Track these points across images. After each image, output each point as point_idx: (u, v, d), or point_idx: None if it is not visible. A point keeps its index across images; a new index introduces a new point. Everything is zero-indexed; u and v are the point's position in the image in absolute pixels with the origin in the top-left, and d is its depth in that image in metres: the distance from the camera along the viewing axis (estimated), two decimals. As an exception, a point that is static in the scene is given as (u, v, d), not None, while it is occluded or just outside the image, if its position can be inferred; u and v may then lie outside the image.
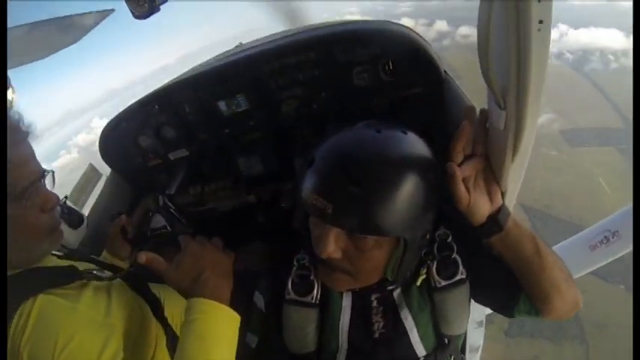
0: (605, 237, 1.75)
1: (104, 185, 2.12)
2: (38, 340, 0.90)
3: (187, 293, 1.01)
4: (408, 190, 0.85)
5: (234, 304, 1.04)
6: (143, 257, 1.02)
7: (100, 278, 1.12)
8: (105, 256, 1.59)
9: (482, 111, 0.94)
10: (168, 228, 1.77)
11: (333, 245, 0.90)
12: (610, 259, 1.76)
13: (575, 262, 1.79)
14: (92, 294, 1.07)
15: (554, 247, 1.89)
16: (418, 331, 1.09)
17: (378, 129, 0.91)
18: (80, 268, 1.13)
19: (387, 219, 0.84)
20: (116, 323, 1.06)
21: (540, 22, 0.66)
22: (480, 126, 0.94)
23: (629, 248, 1.67)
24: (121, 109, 1.97)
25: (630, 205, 1.67)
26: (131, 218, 1.70)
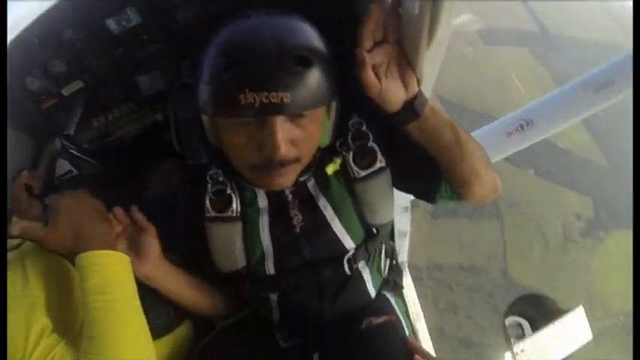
0: (520, 125, 1.90)
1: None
2: None
3: (73, 252, 0.92)
4: (329, 58, 0.87)
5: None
6: (17, 228, 0.92)
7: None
8: (16, 221, 1.42)
9: None
10: (75, 171, 1.62)
11: (285, 140, 0.84)
12: (525, 145, 1.90)
13: (493, 147, 1.92)
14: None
15: (472, 134, 2.04)
16: (341, 221, 1.05)
17: (277, 14, 0.92)
18: None
19: (324, 88, 0.85)
20: (36, 293, 0.95)
21: None
22: (392, 11, 0.83)
23: (542, 136, 1.82)
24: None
25: (544, 96, 1.83)
26: (36, 172, 1.50)
